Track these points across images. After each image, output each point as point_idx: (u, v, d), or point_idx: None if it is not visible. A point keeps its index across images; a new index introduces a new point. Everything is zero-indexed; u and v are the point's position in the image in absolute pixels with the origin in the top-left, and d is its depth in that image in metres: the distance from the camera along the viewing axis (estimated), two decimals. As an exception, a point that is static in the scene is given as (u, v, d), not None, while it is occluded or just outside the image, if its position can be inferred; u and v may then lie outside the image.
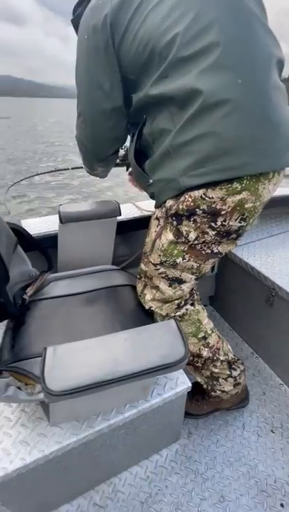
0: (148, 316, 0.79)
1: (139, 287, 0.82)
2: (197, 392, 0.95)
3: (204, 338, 0.81)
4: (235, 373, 0.87)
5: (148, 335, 0.42)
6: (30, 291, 0.82)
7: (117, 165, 0.93)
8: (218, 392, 0.88)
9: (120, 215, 0.96)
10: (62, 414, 0.54)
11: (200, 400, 0.96)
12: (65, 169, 1.20)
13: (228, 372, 0.86)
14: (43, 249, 0.89)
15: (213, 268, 1.32)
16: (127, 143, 0.79)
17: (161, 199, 0.65)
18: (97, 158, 0.79)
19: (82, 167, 0.91)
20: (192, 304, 0.79)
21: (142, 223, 1.12)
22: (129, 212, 1.18)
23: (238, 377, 0.87)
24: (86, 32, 0.60)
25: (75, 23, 0.65)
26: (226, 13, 0.52)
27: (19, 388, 0.55)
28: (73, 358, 0.37)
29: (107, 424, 0.62)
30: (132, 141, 0.71)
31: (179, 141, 0.56)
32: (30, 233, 0.87)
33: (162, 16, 0.53)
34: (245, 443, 0.91)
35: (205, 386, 0.89)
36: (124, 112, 0.68)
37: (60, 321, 0.75)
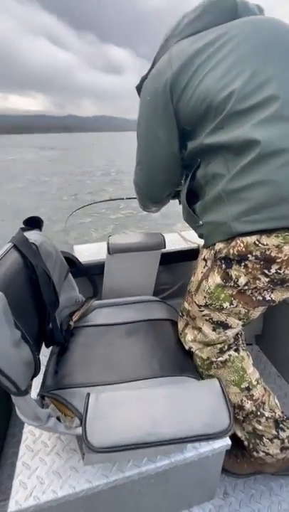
0: (187, 355, 0.76)
1: (181, 325, 0.80)
2: (237, 448, 0.86)
3: (248, 389, 0.74)
4: (283, 435, 0.76)
5: (190, 395, 0.40)
6: (75, 317, 0.87)
7: (173, 198, 0.96)
8: (262, 454, 0.78)
9: (165, 247, 0.97)
10: (96, 458, 0.54)
11: (239, 457, 0.87)
12: (120, 198, 1.29)
13: (274, 432, 0.76)
14: (91, 277, 0.94)
15: None
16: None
17: (210, 241, 0.64)
18: (153, 200, 0.86)
19: (135, 197, 0.97)
20: (236, 350, 0.74)
21: (185, 255, 1.12)
22: (173, 241, 1.19)
23: (286, 440, 0.76)
24: (148, 94, 0.67)
25: (139, 88, 0.74)
26: (285, 68, 0.54)
27: (58, 419, 0.57)
28: (114, 411, 0.37)
29: (137, 471, 0.60)
30: (184, 182, 0.73)
31: (232, 186, 0.57)
32: (81, 260, 0.93)
33: (219, 76, 0.57)
34: None
35: (246, 443, 0.79)
36: (179, 159, 0.72)
37: (102, 350, 0.77)
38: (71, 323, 0.84)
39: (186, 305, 0.76)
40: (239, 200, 0.55)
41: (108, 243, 0.93)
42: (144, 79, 0.72)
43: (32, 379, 0.55)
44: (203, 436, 0.34)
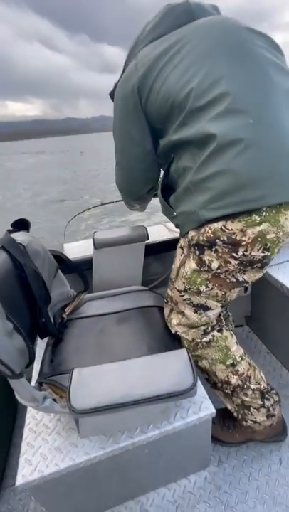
0: (174, 338, 0.82)
1: (166, 311, 0.85)
2: (228, 419, 0.92)
3: (233, 365, 0.80)
4: (268, 403, 0.82)
5: (162, 363, 0.46)
6: (68, 310, 0.93)
7: (155, 196, 1.01)
8: (250, 423, 0.85)
9: (148, 239, 1.02)
10: (89, 428, 0.60)
11: (231, 428, 0.93)
12: (111, 202, 1.37)
13: (260, 402, 0.82)
14: (81, 272, 0.99)
15: (246, 288, 1.28)
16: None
17: (184, 230, 0.69)
18: (134, 197, 0.91)
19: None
20: (219, 330, 0.80)
21: (170, 245, 1.16)
22: (159, 232, 1.24)
23: (271, 408, 0.83)
24: (119, 98, 0.74)
25: (112, 94, 0.80)
26: (235, 66, 0.59)
27: (55, 400, 0.63)
28: (95, 380, 0.42)
29: (130, 442, 0.66)
30: (162, 177, 0.78)
31: (197, 177, 0.61)
32: (70, 257, 0.98)
33: (178, 77, 0.62)
34: (282, 481, 0.84)
35: (235, 414, 0.86)
36: (154, 155, 0.77)
37: (94, 339, 0.83)
38: (64, 315, 0.90)
39: (169, 292, 0.82)
40: (204, 190, 0.60)
41: (93, 238, 0.98)
42: (115, 85, 0.78)
43: (28, 366, 0.60)
44: (171, 394, 0.40)
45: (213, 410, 0.71)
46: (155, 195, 1.00)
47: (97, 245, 0.98)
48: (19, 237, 0.78)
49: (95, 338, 0.84)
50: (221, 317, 0.82)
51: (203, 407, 0.72)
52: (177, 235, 1.22)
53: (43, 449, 0.67)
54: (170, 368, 0.43)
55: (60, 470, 0.63)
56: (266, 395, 0.83)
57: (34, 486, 0.63)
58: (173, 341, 0.82)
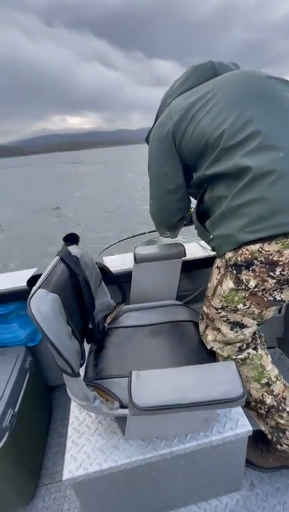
0: (209, 353, 0.85)
1: (202, 327, 0.88)
2: (262, 442, 0.91)
3: (268, 384, 0.81)
4: None
5: (212, 372, 0.50)
6: (109, 319, 1.00)
7: (185, 225, 1.10)
8: (285, 447, 0.83)
9: (185, 256, 1.08)
10: (135, 431, 0.64)
11: (264, 452, 0.92)
12: (142, 233, 1.52)
13: None
14: (120, 284, 1.07)
15: (280, 310, 1.27)
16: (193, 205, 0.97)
17: (221, 251, 0.74)
18: (166, 225, 1.02)
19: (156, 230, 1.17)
20: (255, 349, 0.81)
21: (204, 262, 1.21)
22: (193, 250, 1.29)
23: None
24: (155, 140, 0.85)
25: (147, 139, 0.92)
26: (262, 108, 0.69)
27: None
28: (152, 382, 0.47)
29: (169, 451, 0.69)
30: (196, 205, 0.86)
31: (233, 204, 0.68)
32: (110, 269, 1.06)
33: (211, 120, 0.73)
34: None
35: (270, 437, 0.85)
36: (185, 188, 0.88)
37: (132, 348, 0.89)
38: (106, 324, 0.97)
39: (205, 309, 0.86)
40: (240, 215, 0.67)
41: (134, 253, 1.06)
42: (150, 131, 0.90)
43: (80, 367, 0.67)
44: (222, 400, 0.44)
45: (250, 428, 0.72)
46: (186, 224, 1.09)
47: (138, 260, 1.05)
48: (73, 250, 0.87)
49: (134, 348, 0.89)
50: (256, 335, 0.84)
51: (239, 424, 0.73)
52: (211, 253, 1.27)
53: (87, 448, 0.72)
54: (220, 377, 0.47)
55: (103, 469, 0.67)
56: None
57: (78, 483, 0.68)
58: (209, 356, 0.84)
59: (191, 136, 0.76)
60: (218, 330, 0.81)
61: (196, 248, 1.31)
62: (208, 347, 0.84)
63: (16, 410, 0.88)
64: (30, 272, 1.12)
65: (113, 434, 0.75)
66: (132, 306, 1.09)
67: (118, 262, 1.23)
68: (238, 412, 0.76)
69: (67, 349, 0.58)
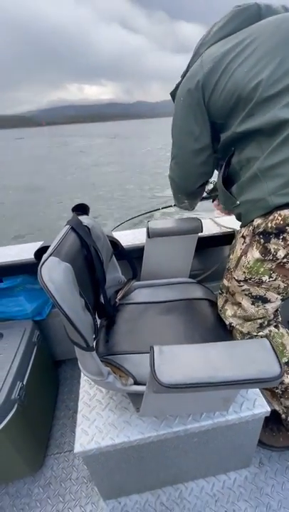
0: (226, 332, 0.81)
1: (220, 302, 0.84)
2: (273, 422, 0.90)
3: (287, 363, 0.77)
4: None
5: (243, 349, 0.46)
6: (120, 295, 0.95)
7: (204, 198, 1.00)
8: None
9: (202, 231, 1.01)
10: (151, 408, 0.62)
11: (275, 431, 0.91)
12: (156, 210, 1.38)
13: None
14: (131, 260, 1.01)
15: None
16: (214, 178, 0.89)
17: (249, 218, 0.68)
18: (186, 191, 0.91)
19: (171, 205, 1.07)
20: (276, 327, 0.77)
21: (220, 240, 1.14)
22: (207, 227, 1.22)
23: None
24: (182, 95, 0.74)
25: (173, 94, 0.82)
26: None
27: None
28: (178, 359, 0.43)
29: (183, 428, 0.67)
30: (219, 170, 0.78)
31: (267, 164, 0.61)
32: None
33: (246, 70, 0.63)
34: None
35: (283, 416, 0.83)
36: (211, 150, 0.78)
37: (144, 324, 0.85)
38: (116, 300, 0.92)
39: (225, 282, 0.81)
40: (274, 176, 0.59)
41: (148, 228, 0.99)
42: (178, 86, 0.79)
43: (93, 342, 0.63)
44: (258, 380, 0.39)
45: (268, 409, 0.69)
46: (203, 198, 1.00)
47: (151, 234, 0.99)
48: (85, 220, 0.81)
49: (146, 324, 0.85)
50: (278, 312, 0.79)
51: (257, 404, 0.70)
52: (226, 231, 1.20)
53: (98, 423, 0.70)
54: (254, 355, 0.43)
55: (115, 444, 0.65)
56: None
57: (90, 456, 0.67)
58: (226, 334, 0.80)
59: (222, 91, 0.67)
60: (239, 304, 0.76)
61: (210, 225, 1.23)
62: (227, 322, 0.81)
63: (24, 383, 0.86)
64: (37, 245, 1.07)
65: (125, 410, 0.73)
66: (143, 283, 1.04)
67: (129, 238, 1.16)
68: (255, 392, 0.74)
69: (81, 322, 0.54)
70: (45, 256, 0.53)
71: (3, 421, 0.75)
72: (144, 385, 0.61)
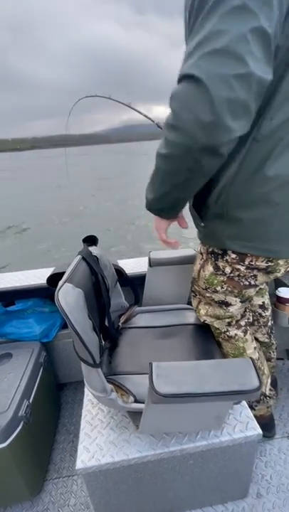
0: (217, 354, 0.88)
1: (194, 303, 0.95)
2: None
3: None
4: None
5: (229, 366, 0.54)
6: (122, 319, 1.03)
7: None
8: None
9: None
10: (150, 424, 0.67)
11: None
12: None
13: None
14: (134, 287, 1.11)
15: None
16: None
17: (206, 243, 0.79)
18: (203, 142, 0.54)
19: None
20: (244, 332, 0.88)
21: None
22: None
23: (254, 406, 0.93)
24: None
25: None
26: None
27: (115, 396, 0.71)
28: (172, 373, 0.50)
29: (179, 448, 0.71)
30: None
31: (233, 202, 0.67)
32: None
33: None
34: None
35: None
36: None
37: (145, 347, 0.92)
38: (119, 323, 1.00)
39: (195, 287, 0.92)
40: (235, 220, 0.67)
41: (149, 258, 1.10)
42: None
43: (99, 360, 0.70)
44: (238, 392, 0.47)
45: (260, 431, 0.74)
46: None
47: (153, 263, 1.09)
48: (94, 250, 0.92)
49: (146, 347, 0.92)
50: (248, 315, 0.90)
51: (249, 427, 0.75)
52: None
53: (99, 441, 0.75)
54: (237, 371, 0.50)
55: (114, 462, 0.69)
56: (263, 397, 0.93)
57: (90, 473, 0.70)
58: (218, 355, 0.87)
59: None
60: (209, 304, 0.88)
61: None
62: (202, 320, 0.92)
63: (30, 401, 0.91)
64: (47, 271, 1.18)
65: (124, 429, 0.78)
66: (144, 308, 1.12)
67: (132, 266, 1.27)
68: (247, 415, 0.78)
69: (90, 340, 0.62)
70: (61, 282, 0.63)
71: (10, 437, 0.80)
72: (143, 403, 0.68)
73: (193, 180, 0.55)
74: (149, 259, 1.10)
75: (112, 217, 7.45)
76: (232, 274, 0.75)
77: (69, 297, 0.60)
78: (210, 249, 0.77)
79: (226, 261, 0.73)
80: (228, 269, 0.74)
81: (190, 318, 1.06)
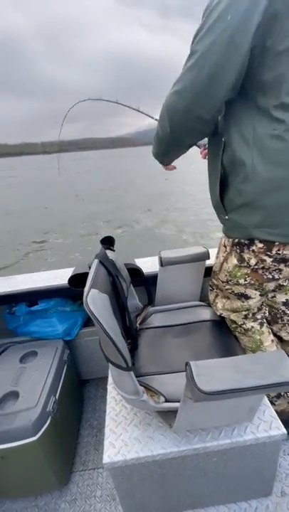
0: (237, 347, 0.90)
1: (212, 297, 0.96)
2: None
3: None
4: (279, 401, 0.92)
5: (264, 359, 0.56)
6: (139, 320, 1.06)
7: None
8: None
9: (209, 258, 1.10)
10: (185, 421, 0.69)
11: None
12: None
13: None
14: (148, 287, 1.12)
15: None
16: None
17: (231, 235, 0.79)
18: (202, 111, 0.63)
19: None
20: (261, 324, 0.88)
21: None
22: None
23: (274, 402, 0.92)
24: (229, 12, 0.54)
25: None
26: None
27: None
28: (211, 371, 0.52)
29: (203, 446, 0.73)
30: (213, 170, 0.77)
31: (256, 191, 0.68)
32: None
33: None
34: None
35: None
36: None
37: (165, 347, 0.94)
38: (137, 325, 1.03)
39: (214, 281, 0.93)
40: (261, 208, 0.68)
41: (160, 257, 1.10)
42: None
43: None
44: (280, 383, 0.48)
45: (284, 431, 0.74)
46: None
47: (164, 263, 1.10)
48: (110, 254, 0.94)
49: (167, 346, 0.94)
50: (264, 309, 0.90)
51: (273, 426, 0.75)
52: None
53: (124, 437, 0.78)
54: (274, 363, 0.52)
55: (139, 457, 0.72)
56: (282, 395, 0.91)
57: (116, 468, 0.74)
58: (237, 348, 0.89)
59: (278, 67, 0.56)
60: (227, 298, 0.89)
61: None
62: (218, 313, 0.94)
63: (56, 397, 0.96)
64: (68, 271, 1.21)
65: (148, 426, 0.80)
66: (158, 308, 1.14)
67: (144, 266, 1.28)
68: (271, 414, 0.79)
69: (122, 344, 0.64)
70: (86, 288, 0.65)
71: (40, 431, 0.85)
72: (174, 401, 0.70)
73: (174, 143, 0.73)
74: (160, 259, 1.10)
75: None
76: (256, 267, 0.75)
77: (97, 303, 0.62)
78: (235, 241, 0.76)
79: (253, 251, 0.73)
80: (253, 261, 0.74)
81: (205, 314, 1.07)
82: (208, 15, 0.55)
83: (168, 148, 0.76)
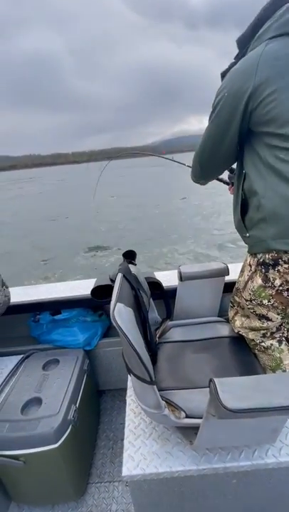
0: (256, 365, 0.89)
1: (231, 314, 0.96)
2: None
3: None
4: None
5: (283, 379, 0.57)
6: (158, 334, 1.07)
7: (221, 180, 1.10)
8: None
9: (228, 274, 1.11)
10: (206, 439, 0.68)
11: None
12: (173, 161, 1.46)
13: None
14: (168, 300, 1.14)
15: None
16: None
17: (254, 251, 0.80)
18: (206, 178, 0.97)
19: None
20: (279, 342, 0.87)
21: None
22: (237, 271, 1.32)
23: None
24: (228, 89, 0.71)
25: (223, 74, 0.78)
26: None
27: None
28: (236, 389, 0.53)
29: (222, 466, 0.72)
30: (236, 196, 0.87)
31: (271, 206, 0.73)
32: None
33: None
34: None
35: None
36: (237, 146, 0.83)
37: (184, 362, 0.95)
38: (156, 339, 1.05)
39: (236, 298, 0.93)
40: (277, 220, 0.71)
41: (180, 272, 1.13)
42: (230, 67, 0.76)
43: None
44: None
45: None
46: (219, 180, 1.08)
47: (183, 278, 1.11)
48: (132, 268, 0.98)
49: (187, 362, 0.95)
50: (284, 329, 0.88)
51: None
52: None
53: (143, 450, 0.79)
54: None
55: (158, 473, 0.73)
56: None
57: (135, 481, 0.75)
58: (257, 367, 0.88)
59: (267, 112, 0.66)
60: (247, 317, 0.89)
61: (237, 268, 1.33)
62: (236, 331, 0.94)
63: (77, 406, 0.99)
64: (88, 282, 1.26)
65: (166, 441, 0.81)
66: (177, 322, 1.15)
67: (161, 279, 1.30)
68: None
69: (146, 358, 0.66)
70: (113, 302, 0.68)
71: (61, 439, 0.87)
72: (195, 418, 0.71)
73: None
74: (180, 274, 1.12)
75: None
76: (281, 288, 0.75)
77: (124, 317, 0.65)
78: (260, 260, 0.77)
79: (278, 271, 0.73)
80: (277, 282, 0.75)
81: (223, 330, 1.07)
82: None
83: (202, 180, 0.99)
